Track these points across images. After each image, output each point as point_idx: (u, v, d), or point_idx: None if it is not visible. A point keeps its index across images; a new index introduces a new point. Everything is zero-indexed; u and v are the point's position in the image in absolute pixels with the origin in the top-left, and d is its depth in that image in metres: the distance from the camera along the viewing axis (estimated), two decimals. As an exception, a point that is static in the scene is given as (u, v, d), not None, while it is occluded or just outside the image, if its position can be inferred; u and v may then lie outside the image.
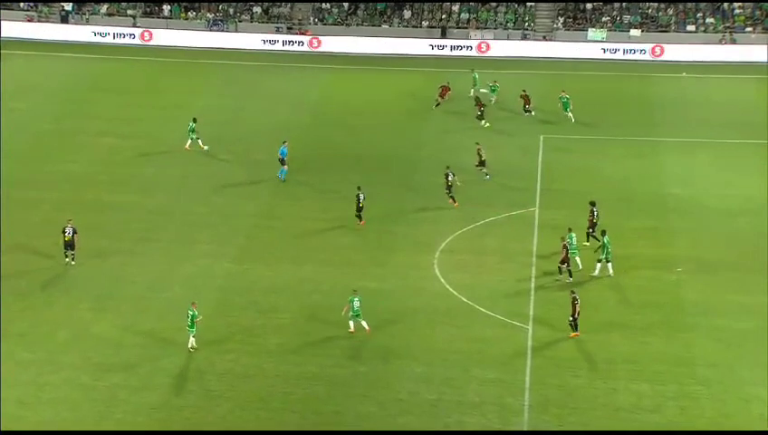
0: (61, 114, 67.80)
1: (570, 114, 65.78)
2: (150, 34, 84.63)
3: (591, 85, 74.22)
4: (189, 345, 40.99)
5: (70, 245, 47.57)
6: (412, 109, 68.72)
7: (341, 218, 52.53)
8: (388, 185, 57.02)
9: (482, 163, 56.94)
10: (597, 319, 43.80)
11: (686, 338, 42.72)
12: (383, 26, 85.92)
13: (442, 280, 47.16)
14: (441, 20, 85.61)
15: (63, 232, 47.68)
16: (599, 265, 47.09)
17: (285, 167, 56.06)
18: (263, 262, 48.76)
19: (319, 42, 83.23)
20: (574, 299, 42.24)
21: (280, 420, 37.49)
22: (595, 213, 49.66)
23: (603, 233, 47.35)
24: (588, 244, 49.12)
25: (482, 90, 68.91)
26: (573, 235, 47.07)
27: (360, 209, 51.79)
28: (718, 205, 54.67)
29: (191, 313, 41.00)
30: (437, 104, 67.80)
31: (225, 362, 39.49)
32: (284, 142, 56.52)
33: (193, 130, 61.21)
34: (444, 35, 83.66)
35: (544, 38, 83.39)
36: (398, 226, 52.53)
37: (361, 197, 51.81)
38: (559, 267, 46.70)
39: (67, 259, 47.70)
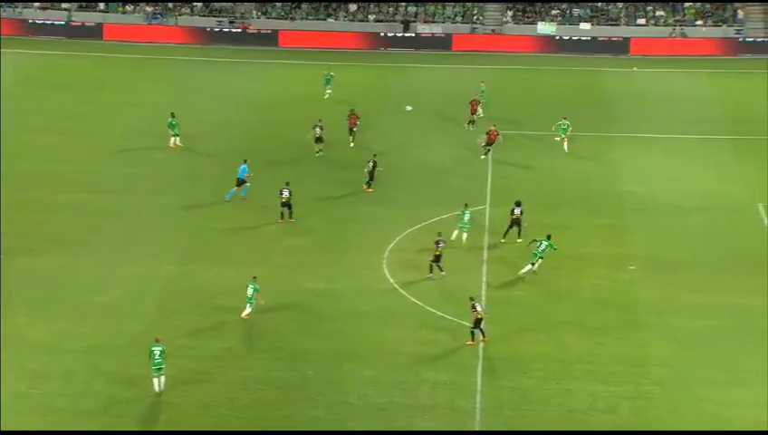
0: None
1: (480, 109, 66.23)
2: (86, 28, 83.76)
3: (541, 80, 74.66)
4: (157, 388, 38.64)
5: None
6: (360, 104, 68.55)
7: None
8: (337, 183, 56.87)
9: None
10: (551, 319, 44.01)
11: (641, 338, 43.07)
12: (329, 20, 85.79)
13: (391, 280, 47.16)
14: (389, 13, 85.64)
15: None
16: (539, 261, 47.29)
17: (248, 184, 54.39)
18: (206, 263, 48.42)
19: (261, 35, 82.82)
20: (473, 307, 41.98)
21: (225, 426, 37.23)
22: (516, 211, 49.87)
23: (548, 237, 47.52)
24: (504, 241, 49.78)
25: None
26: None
27: (286, 205, 51.58)
28: (672, 202, 55.17)
29: (157, 349, 38.69)
30: (471, 122, 64.63)
31: (167, 368, 39.08)
32: (245, 161, 55.14)
33: (174, 126, 60.57)
34: (407, 29, 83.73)
35: (493, 32, 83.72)
36: (347, 225, 52.46)
37: (285, 193, 51.68)
38: (432, 265, 46.82)
39: None
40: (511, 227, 50.17)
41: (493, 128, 59.51)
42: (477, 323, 41.90)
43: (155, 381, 38.57)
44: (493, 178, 58.01)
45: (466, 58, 79.12)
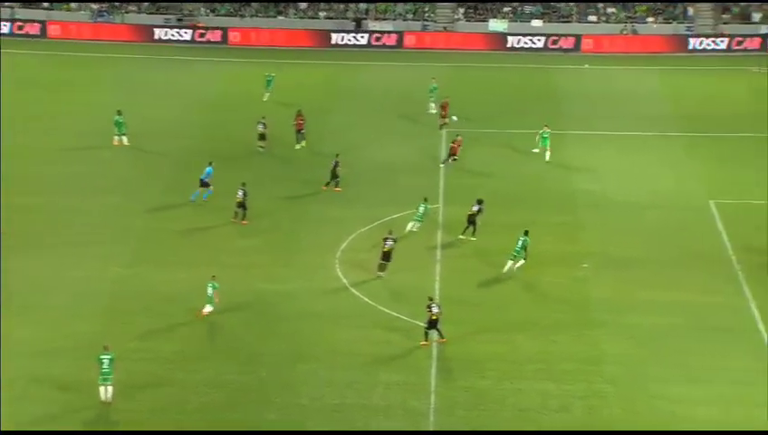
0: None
1: (432, 103, 66.25)
2: (31, 26, 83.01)
3: (493, 77, 75.07)
4: (104, 397, 38.27)
5: None
6: (313, 103, 68.60)
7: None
8: (289, 181, 56.86)
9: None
10: (504, 318, 44.34)
11: (595, 336, 43.51)
12: (279, 18, 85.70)
13: (344, 280, 47.28)
14: (339, 11, 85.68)
15: None
16: (521, 261, 47.77)
17: (211, 188, 54.04)
18: (157, 265, 48.24)
19: (210, 33, 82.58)
20: (429, 307, 42.14)
21: (176, 430, 37.13)
22: (475, 209, 50.30)
23: (526, 232, 47.96)
24: (463, 237, 50.14)
25: (454, 118, 64.02)
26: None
27: (240, 206, 51.51)
28: (626, 199, 55.73)
29: (106, 357, 38.33)
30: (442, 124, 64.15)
31: (115, 372, 38.90)
32: (210, 163, 54.71)
33: (121, 124, 60.13)
34: (359, 27, 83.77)
35: (445, 29, 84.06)
36: (300, 224, 52.49)
37: (239, 193, 51.65)
38: (381, 263, 47.13)
39: None
40: (468, 225, 50.51)
41: (458, 138, 58.94)
42: (432, 323, 42.09)
43: (101, 389, 38.21)
44: (446, 176, 58.29)
45: (418, 56, 79.39)
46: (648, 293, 46.76)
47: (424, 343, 42.27)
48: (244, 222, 52.01)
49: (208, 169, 54.34)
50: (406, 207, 53.81)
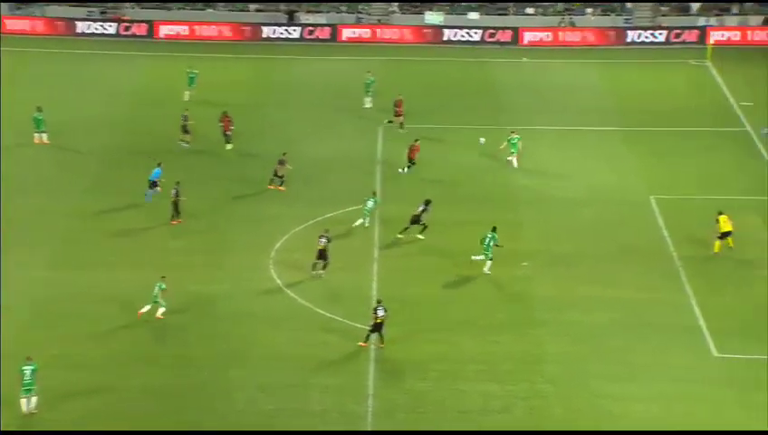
0: None
1: (368, 98, 66.64)
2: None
3: (430, 71, 75.39)
4: (26, 409, 37.82)
5: None
6: (245, 99, 68.48)
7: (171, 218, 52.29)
8: (220, 179, 56.72)
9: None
10: (445, 318, 44.69)
11: (536, 335, 44.04)
12: (207, 10, 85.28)
13: (278, 281, 47.33)
14: (271, 3, 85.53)
15: None
16: (489, 262, 48.13)
17: (159, 189, 53.57)
18: (81, 267, 47.93)
19: (135, 26, 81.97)
20: (375, 309, 42.30)
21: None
22: (420, 209, 50.68)
23: (494, 229, 48.37)
24: (401, 236, 50.56)
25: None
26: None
27: (173, 205, 51.40)
28: (566, 195, 56.33)
29: (28, 368, 37.83)
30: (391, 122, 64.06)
31: (41, 379, 38.60)
32: (159, 164, 54.27)
33: (40, 121, 59.58)
34: (291, 20, 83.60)
35: (379, 21, 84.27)
36: (232, 224, 52.46)
37: (173, 192, 51.57)
38: (315, 263, 47.47)
39: None
40: (411, 224, 50.60)
41: (416, 143, 58.22)
42: (375, 327, 42.23)
43: (23, 401, 37.81)
44: (384, 173, 58.49)
45: (353, 49, 79.52)
46: (588, 290, 47.41)
47: (362, 344, 42.46)
48: (173, 222, 51.80)
49: (157, 169, 53.97)
50: (342, 204, 54.02)
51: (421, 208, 50.89)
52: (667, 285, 47.93)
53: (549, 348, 43.16)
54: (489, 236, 48.08)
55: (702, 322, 45.14)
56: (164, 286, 43.75)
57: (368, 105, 67.16)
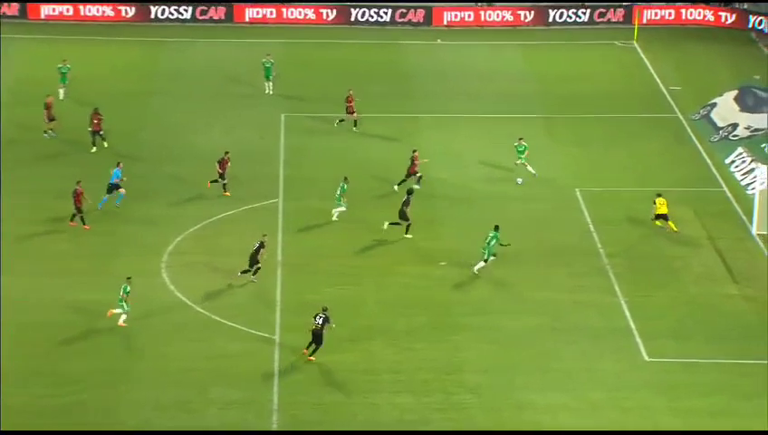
0: None
1: (269, 83, 66.67)
2: None
3: (334, 55, 75.23)
4: None
5: None
6: (129, 86, 67.75)
7: (55, 220, 51.64)
8: (106, 177, 55.84)
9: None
10: (356, 324, 44.66)
11: (455, 341, 44.22)
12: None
13: (172, 287, 46.96)
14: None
15: None
16: (482, 262, 48.42)
17: (122, 190, 52.90)
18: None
19: (5, 6, 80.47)
20: (316, 315, 42.34)
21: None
22: (403, 200, 51.14)
23: (496, 228, 48.62)
24: (384, 229, 50.82)
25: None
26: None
27: (79, 209, 51.01)
28: (485, 189, 56.67)
29: None
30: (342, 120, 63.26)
31: None
32: (118, 164, 53.52)
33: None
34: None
35: (281, 1, 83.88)
36: (120, 225, 51.98)
37: (75, 191, 51.15)
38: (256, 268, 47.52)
39: None
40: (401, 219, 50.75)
41: (416, 153, 56.40)
42: (313, 334, 42.12)
43: None
44: (285, 166, 58.32)
45: (251, 31, 79.06)
46: (511, 292, 47.75)
47: (307, 355, 42.40)
48: (72, 223, 51.32)
49: (116, 170, 53.29)
50: (240, 201, 53.72)
51: (404, 200, 50.97)
52: (594, 284, 48.48)
53: (470, 355, 43.36)
54: (491, 235, 48.34)
55: (632, 324, 45.74)
56: (128, 289, 43.60)
57: (269, 91, 66.89)
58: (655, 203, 52.34)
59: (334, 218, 52.38)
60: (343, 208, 52.31)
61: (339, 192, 52.27)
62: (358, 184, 55.16)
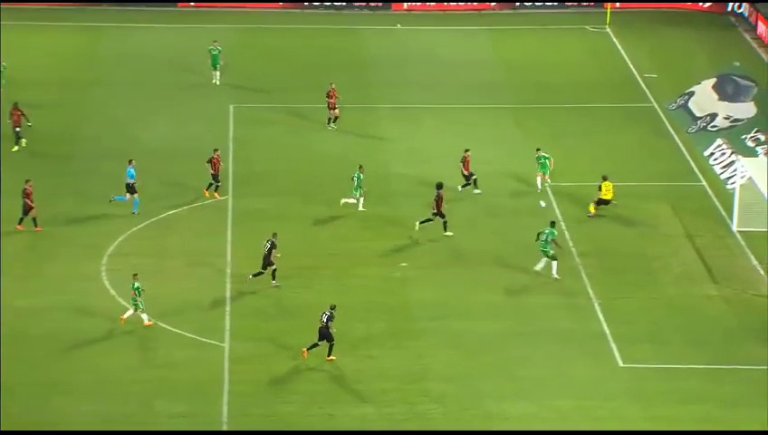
0: None
1: (217, 72, 66.57)
2: None
3: (285, 42, 75.13)
4: None
5: None
6: (68, 75, 67.40)
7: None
8: (41, 175, 55.51)
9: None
10: (310, 330, 44.43)
11: (417, 347, 44.20)
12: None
13: (113, 292, 46.75)
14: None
15: None
16: (554, 263, 48.60)
17: (137, 195, 52.38)
18: None
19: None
20: (323, 313, 42.59)
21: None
22: (438, 195, 51.24)
23: (552, 224, 49.07)
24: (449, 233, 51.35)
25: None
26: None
27: (28, 210, 50.78)
28: (448, 184, 56.55)
29: None
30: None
31: None
32: (131, 162, 52.72)
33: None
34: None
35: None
36: (54, 225, 51.67)
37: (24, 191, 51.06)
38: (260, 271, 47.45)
39: None
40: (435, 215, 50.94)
41: (468, 153, 55.47)
42: (320, 334, 42.34)
43: None
44: (235, 162, 58.17)
45: (198, 16, 78.81)
46: (478, 294, 47.77)
47: (329, 358, 42.71)
48: (20, 226, 51.12)
49: (129, 169, 52.61)
50: (186, 199, 53.55)
51: (434, 197, 51.22)
52: (566, 286, 48.56)
53: (432, 362, 43.35)
54: (547, 232, 48.47)
55: (606, 327, 45.86)
56: (137, 285, 43.67)
57: (216, 81, 66.66)
58: (600, 189, 52.40)
59: (360, 208, 52.68)
60: (361, 198, 52.67)
61: (356, 182, 52.44)
62: (309, 178, 54.99)
